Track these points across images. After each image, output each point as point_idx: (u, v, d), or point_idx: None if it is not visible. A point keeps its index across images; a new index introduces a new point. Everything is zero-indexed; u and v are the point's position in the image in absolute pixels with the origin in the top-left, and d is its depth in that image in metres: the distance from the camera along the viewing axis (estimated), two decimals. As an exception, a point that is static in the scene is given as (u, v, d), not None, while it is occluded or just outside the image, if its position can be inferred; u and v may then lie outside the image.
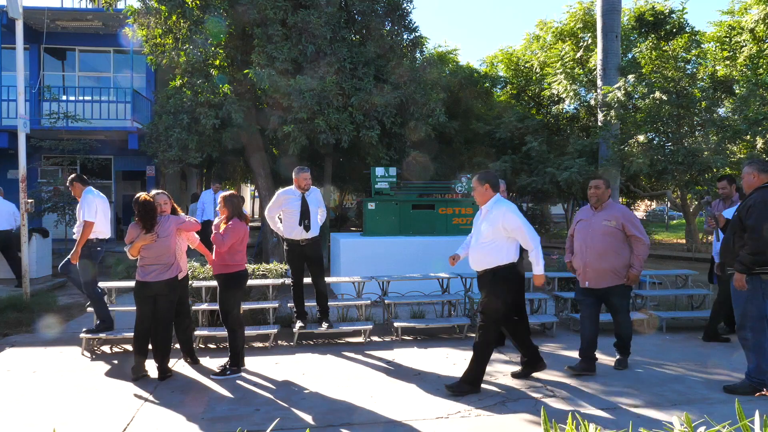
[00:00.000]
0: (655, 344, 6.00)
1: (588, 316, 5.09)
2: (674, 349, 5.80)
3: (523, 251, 4.76)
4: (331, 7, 10.23)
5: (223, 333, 5.85)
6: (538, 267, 4.53)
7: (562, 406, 4.19)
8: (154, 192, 5.09)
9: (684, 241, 18.16)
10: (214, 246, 4.95)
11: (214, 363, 5.23)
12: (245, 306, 6.21)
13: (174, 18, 10.56)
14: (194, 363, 5.24)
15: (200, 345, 5.87)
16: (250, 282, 6.30)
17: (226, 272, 4.98)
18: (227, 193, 5.23)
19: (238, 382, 4.78)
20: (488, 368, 5.13)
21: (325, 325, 5.96)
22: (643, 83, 9.96)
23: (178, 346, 5.31)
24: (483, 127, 14.26)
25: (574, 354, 5.61)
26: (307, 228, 5.92)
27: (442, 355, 5.58)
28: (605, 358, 5.44)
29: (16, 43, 8.13)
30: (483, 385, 4.59)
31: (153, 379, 4.82)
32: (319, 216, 6.09)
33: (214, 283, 5.86)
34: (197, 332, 5.80)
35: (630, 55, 13.18)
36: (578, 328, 6.46)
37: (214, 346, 5.95)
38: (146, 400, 4.33)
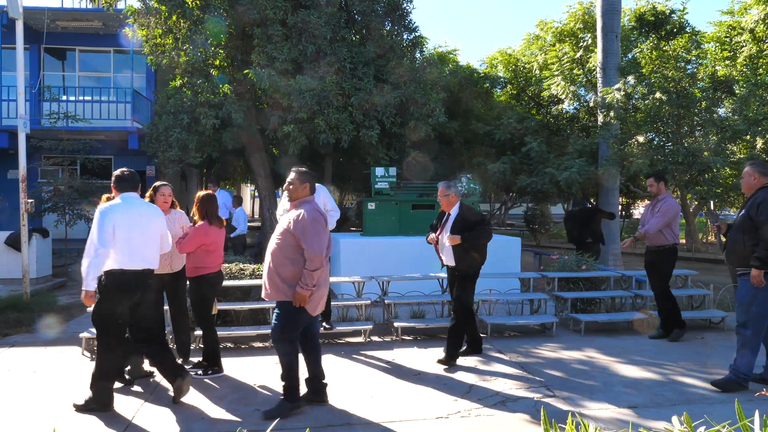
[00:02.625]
0: (655, 344, 6.00)
1: None
2: (674, 349, 5.80)
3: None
4: (331, 7, 10.24)
5: (222, 333, 5.86)
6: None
7: (562, 406, 4.19)
8: (159, 183, 5.11)
9: (684, 241, 18.17)
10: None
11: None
12: (245, 306, 6.22)
13: (174, 18, 10.56)
14: (187, 363, 5.19)
15: (200, 345, 5.86)
16: (250, 282, 6.31)
17: (197, 275, 4.89)
18: (202, 193, 5.09)
19: (238, 381, 4.77)
20: (488, 368, 5.14)
21: (324, 325, 5.96)
22: (643, 83, 9.95)
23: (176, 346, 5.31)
24: (483, 128, 14.26)
25: (575, 354, 5.62)
26: None
27: (442, 355, 5.57)
28: (605, 358, 5.45)
29: (16, 43, 8.13)
30: (483, 386, 4.60)
31: (153, 379, 4.82)
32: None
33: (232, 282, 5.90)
34: (196, 332, 5.79)
35: (630, 56, 13.18)
36: (578, 328, 6.49)
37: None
38: (146, 400, 4.33)
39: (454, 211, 5.26)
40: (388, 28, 11.47)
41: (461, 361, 5.34)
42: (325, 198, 6.00)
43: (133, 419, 3.95)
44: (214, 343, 4.98)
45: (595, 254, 8.86)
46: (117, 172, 4.28)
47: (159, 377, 4.85)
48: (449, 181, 5.50)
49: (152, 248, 4.23)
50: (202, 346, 5.07)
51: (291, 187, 4.13)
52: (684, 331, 6.15)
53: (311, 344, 4.26)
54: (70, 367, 5.17)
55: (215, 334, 5.00)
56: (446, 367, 5.15)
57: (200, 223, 4.94)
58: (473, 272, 5.28)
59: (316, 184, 6.05)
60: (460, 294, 5.24)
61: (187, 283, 5.08)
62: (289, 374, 4.04)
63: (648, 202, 7.36)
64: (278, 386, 4.64)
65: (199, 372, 4.90)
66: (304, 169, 4.24)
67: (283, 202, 6.04)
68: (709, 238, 18.39)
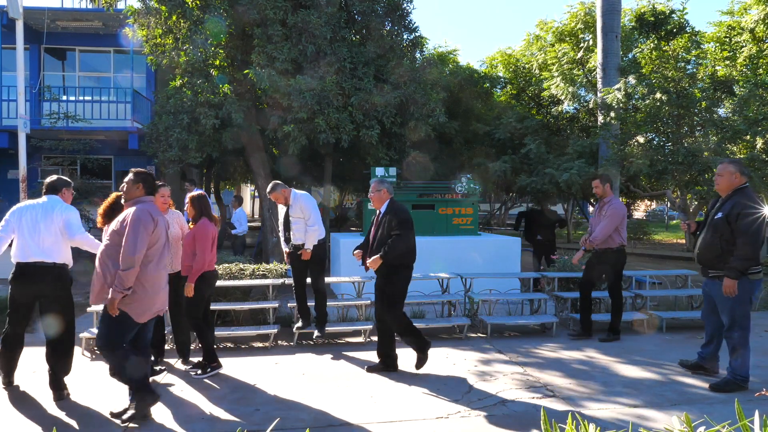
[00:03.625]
0: (655, 344, 6.00)
1: None
2: (674, 349, 5.80)
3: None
4: (331, 7, 10.23)
5: (222, 333, 5.87)
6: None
7: (562, 406, 4.19)
8: (158, 184, 5.10)
9: (684, 241, 18.17)
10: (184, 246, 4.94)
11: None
12: (245, 306, 6.22)
13: (174, 18, 10.56)
14: (186, 363, 5.19)
15: (200, 345, 5.86)
16: (250, 282, 6.31)
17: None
18: (195, 193, 5.14)
19: (238, 381, 4.77)
20: (488, 368, 5.14)
21: (316, 333, 5.87)
22: (643, 83, 9.96)
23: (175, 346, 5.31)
24: (483, 128, 14.27)
25: (575, 354, 5.62)
26: (287, 240, 5.98)
27: (442, 355, 5.58)
28: (605, 358, 5.45)
29: (16, 43, 8.14)
30: (483, 386, 4.60)
31: (153, 380, 4.81)
32: (305, 228, 5.80)
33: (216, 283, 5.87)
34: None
35: (630, 56, 13.18)
36: (578, 328, 6.49)
37: (214, 346, 5.93)
38: (146, 400, 4.33)
39: (383, 208, 5.01)
40: (388, 28, 11.47)
41: (461, 361, 5.34)
42: (304, 208, 5.77)
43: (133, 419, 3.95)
44: (204, 339, 4.95)
45: (542, 251, 9.30)
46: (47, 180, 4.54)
47: (159, 377, 4.85)
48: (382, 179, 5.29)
49: (45, 242, 4.29)
50: (201, 345, 5.06)
51: (124, 187, 4.01)
52: (617, 338, 6.09)
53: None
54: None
55: (205, 330, 4.97)
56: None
57: (200, 221, 4.95)
58: (399, 264, 4.92)
59: (298, 192, 5.91)
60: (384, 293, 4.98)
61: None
62: (128, 379, 3.83)
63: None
64: (279, 386, 4.65)
65: (198, 372, 4.90)
66: (142, 170, 4.12)
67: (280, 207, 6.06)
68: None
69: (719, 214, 4.46)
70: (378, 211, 5.10)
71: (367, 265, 4.96)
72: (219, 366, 4.96)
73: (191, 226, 5.05)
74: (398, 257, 4.84)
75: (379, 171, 9.39)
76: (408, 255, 4.93)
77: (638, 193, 13.18)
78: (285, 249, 6.07)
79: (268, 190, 5.96)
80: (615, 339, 6.08)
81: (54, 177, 4.61)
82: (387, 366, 5.06)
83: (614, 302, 6.13)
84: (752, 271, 4.36)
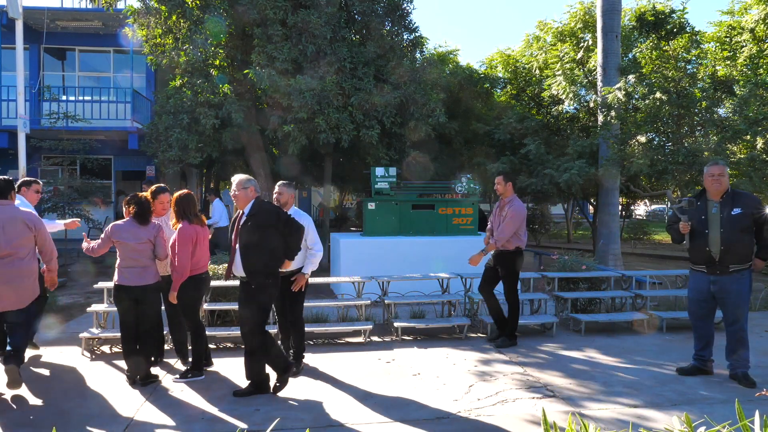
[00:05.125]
0: (655, 344, 6.00)
1: None
2: (674, 349, 5.79)
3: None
4: (331, 7, 10.23)
5: (223, 333, 5.87)
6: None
7: (562, 406, 4.19)
8: (157, 189, 5.09)
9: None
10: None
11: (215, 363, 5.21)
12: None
13: (174, 18, 10.56)
14: (186, 363, 5.16)
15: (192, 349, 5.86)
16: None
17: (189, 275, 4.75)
18: (178, 193, 4.88)
19: (238, 382, 4.76)
20: (488, 368, 5.14)
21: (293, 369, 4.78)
22: (644, 83, 9.95)
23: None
24: (483, 128, 14.25)
25: (575, 354, 5.62)
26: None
27: (442, 355, 5.58)
28: (605, 358, 5.44)
29: (16, 43, 8.15)
30: (483, 386, 4.60)
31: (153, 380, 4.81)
32: (306, 251, 4.99)
33: (216, 282, 5.87)
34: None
35: (630, 55, 13.17)
36: (578, 328, 6.49)
37: (214, 346, 5.93)
38: (146, 400, 4.33)
39: (247, 209, 4.41)
40: (388, 28, 11.47)
41: (461, 361, 5.34)
42: (309, 230, 4.89)
43: (133, 419, 3.95)
44: (199, 344, 4.86)
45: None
46: None
47: (159, 374, 4.84)
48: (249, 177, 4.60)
49: None
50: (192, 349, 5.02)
51: None
52: (513, 343, 5.86)
53: None
54: (71, 367, 5.17)
55: (202, 335, 4.90)
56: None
57: (180, 225, 4.69)
58: (263, 279, 4.32)
59: (299, 212, 5.00)
60: (243, 312, 4.39)
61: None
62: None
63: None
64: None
65: (177, 376, 4.79)
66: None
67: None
68: None
69: (737, 210, 4.62)
70: (241, 212, 4.44)
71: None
72: (201, 375, 4.82)
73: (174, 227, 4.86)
74: (259, 266, 4.27)
75: (379, 171, 9.39)
76: (271, 263, 4.32)
77: (638, 193, 13.17)
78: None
79: (279, 187, 5.03)
80: (512, 345, 5.83)
81: None
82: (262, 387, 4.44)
83: (510, 306, 5.90)
84: None
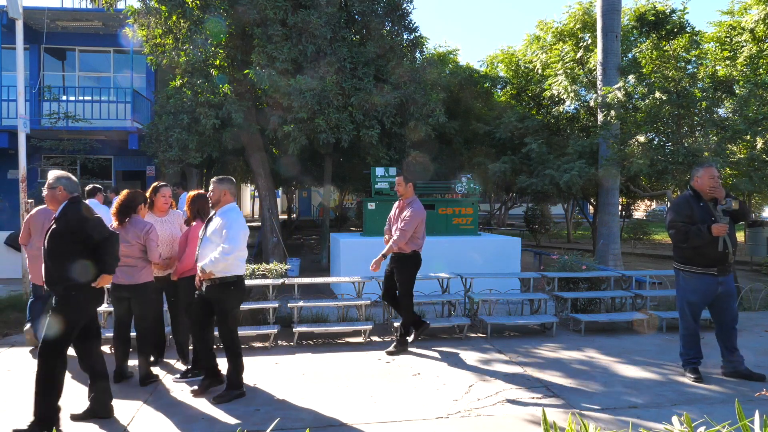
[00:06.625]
0: (655, 344, 6.00)
1: None
2: (674, 349, 5.78)
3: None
4: (331, 7, 10.24)
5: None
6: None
7: (562, 406, 4.19)
8: (159, 184, 5.11)
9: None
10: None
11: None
12: (245, 306, 6.21)
13: (174, 18, 10.56)
14: (186, 363, 5.16)
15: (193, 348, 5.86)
16: (250, 282, 6.30)
17: (191, 275, 4.81)
18: (193, 193, 5.00)
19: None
20: (488, 368, 5.14)
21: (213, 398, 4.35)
22: (644, 83, 9.94)
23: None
24: (483, 128, 14.25)
25: (575, 354, 5.62)
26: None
27: (442, 355, 5.58)
28: (605, 358, 5.44)
29: (16, 43, 8.14)
30: (483, 386, 4.59)
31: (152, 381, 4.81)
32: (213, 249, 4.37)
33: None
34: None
35: (630, 55, 13.17)
36: (578, 328, 6.49)
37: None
38: (146, 400, 4.33)
39: (57, 213, 3.83)
40: (388, 28, 11.47)
41: (460, 361, 5.34)
42: (229, 224, 4.37)
43: (132, 420, 3.95)
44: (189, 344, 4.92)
45: None
46: None
47: (160, 375, 4.84)
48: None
49: None
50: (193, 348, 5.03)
51: None
52: (405, 348, 5.64)
53: None
54: (71, 368, 5.14)
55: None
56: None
57: (194, 223, 4.89)
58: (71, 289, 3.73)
59: (232, 209, 4.48)
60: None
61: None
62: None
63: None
64: (279, 386, 4.64)
65: (177, 376, 4.81)
66: None
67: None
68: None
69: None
70: (55, 216, 3.85)
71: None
72: (201, 375, 4.78)
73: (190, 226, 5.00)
74: (58, 277, 3.71)
75: (379, 171, 9.39)
76: (73, 275, 3.70)
77: (638, 193, 13.16)
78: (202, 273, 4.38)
79: (212, 183, 4.49)
80: (402, 351, 5.60)
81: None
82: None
83: (405, 310, 5.68)
84: None
